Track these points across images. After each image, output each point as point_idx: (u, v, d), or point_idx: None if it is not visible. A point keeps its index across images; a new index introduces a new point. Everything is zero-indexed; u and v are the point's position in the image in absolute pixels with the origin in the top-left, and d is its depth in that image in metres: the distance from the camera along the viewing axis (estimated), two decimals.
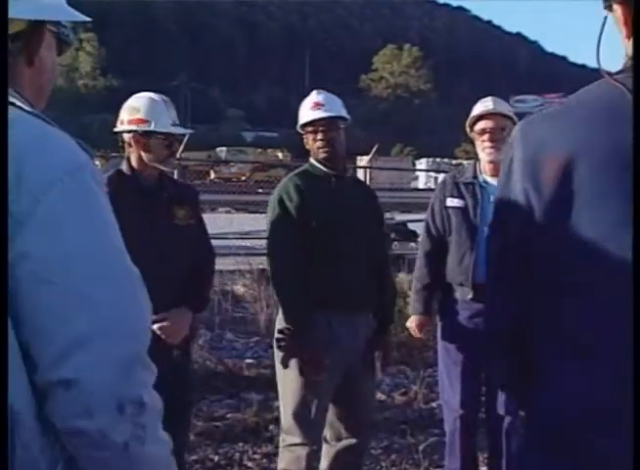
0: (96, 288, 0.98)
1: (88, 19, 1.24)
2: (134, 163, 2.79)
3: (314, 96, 3.05)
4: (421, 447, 3.86)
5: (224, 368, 5.12)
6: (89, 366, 0.94)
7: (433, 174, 28.03)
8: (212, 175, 26.60)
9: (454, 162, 33.69)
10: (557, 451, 1.15)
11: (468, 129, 3.38)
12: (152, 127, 2.73)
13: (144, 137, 2.74)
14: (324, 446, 3.06)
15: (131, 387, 0.97)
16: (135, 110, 2.76)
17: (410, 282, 6.80)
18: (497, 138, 3.24)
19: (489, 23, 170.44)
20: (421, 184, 28.54)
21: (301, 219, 2.87)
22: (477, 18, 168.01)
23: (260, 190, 13.83)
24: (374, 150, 14.48)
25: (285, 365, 2.90)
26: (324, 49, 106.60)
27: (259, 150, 38.59)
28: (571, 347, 1.14)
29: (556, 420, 1.16)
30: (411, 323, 3.50)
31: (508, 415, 3.27)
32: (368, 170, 15.25)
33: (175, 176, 10.73)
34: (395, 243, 10.93)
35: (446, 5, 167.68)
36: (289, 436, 2.95)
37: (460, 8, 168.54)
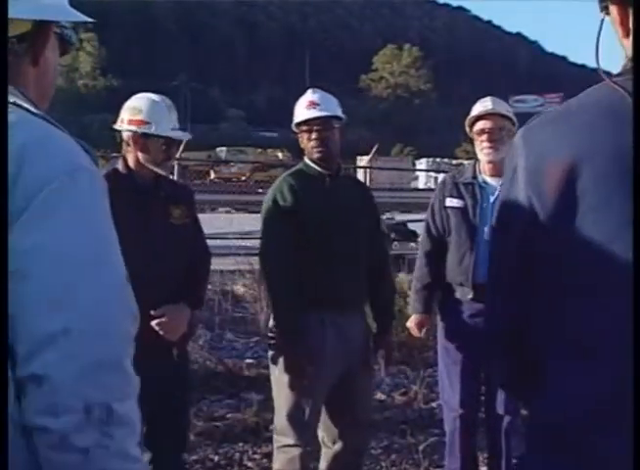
0: (75, 286, 0.96)
1: (90, 19, 1.24)
2: (130, 162, 2.79)
3: (309, 95, 3.03)
4: (421, 447, 3.86)
5: (224, 368, 5.12)
6: (57, 363, 0.92)
7: (433, 174, 28.03)
8: (212, 175, 26.63)
9: (454, 162, 33.71)
10: (559, 452, 1.16)
11: (467, 129, 3.39)
12: (152, 130, 2.73)
13: (143, 138, 2.75)
14: (323, 447, 3.07)
15: (97, 390, 0.94)
16: (137, 110, 2.76)
17: (410, 282, 6.81)
18: (496, 138, 3.25)
19: (489, 23, 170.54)
20: (421, 184, 28.53)
21: (295, 219, 2.86)
22: (477, 18, 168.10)
23: (260, 190, 13.81)
24: (374, 150, 14.49)
25: (275, 364, 2.90)
26: (324, 49, 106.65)
27: (259, 150, 38.57)
28: (574, 348, 1.14)
29: (558, 421, 1.16)
30: (411, 323, 3.50)
31: (507, 415, 3.28)
32: (368, 170, 15.26)
33: (175, 176, 10.78)
34: (395, 243, 10.94)
35: (446, 5, 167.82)
36: (282, 437, 2.95)
37: (460, 8, 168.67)
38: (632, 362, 1.04)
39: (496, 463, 3.36)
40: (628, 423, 1.04)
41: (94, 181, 1.04)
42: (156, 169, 2.78)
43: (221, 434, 4.09)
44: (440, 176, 15.78)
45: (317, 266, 2.87)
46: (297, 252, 2.85)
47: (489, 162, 3.28)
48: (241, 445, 3.99)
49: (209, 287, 6.81)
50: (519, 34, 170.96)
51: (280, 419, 2.95)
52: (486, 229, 3.24)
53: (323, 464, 3.07)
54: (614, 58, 1.20)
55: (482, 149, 3.28)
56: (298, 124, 3.01)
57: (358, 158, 24.24)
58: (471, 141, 3.44)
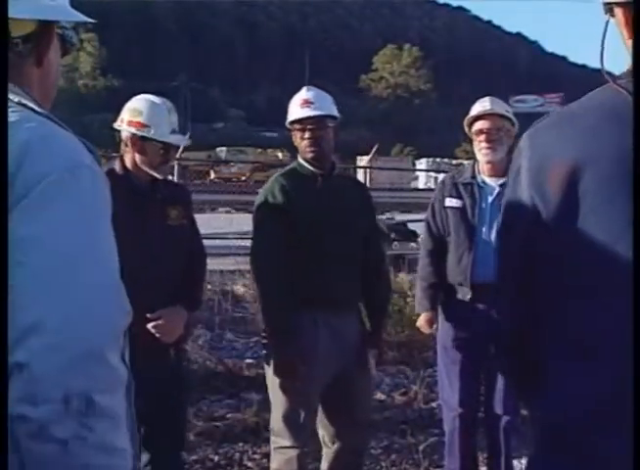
0: (65, 275, 0.96)
1: (91, 20, 1.24)
2: (128, 163, 2.79)
3: (304, 93, 2.99)
4: (421, 447, 3.86)
5: (224, 368, 5.12)
6: (40, 352, 0.91)
7: (433, 174, 28.02)
8: (212, 175, 26.66)
9: (454, 162, 33.72)
10: (560, 452, 1.16)
11: (466, 129, 3.39)
12: (150, 134, 2.73)
13: (141, 141, 2.75)
14: (324, 447, 3.06)
15: (78, 379, 0.93)
16: (137, 112, 2.76)
17: (410, 282, 6.83)
18: (494, 139, 3.25)
19: (489, 23, 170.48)
20: (421, 184, 28.52)
21: (287, 220, 2.85)
22: (477, 18, 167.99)
23: (260, 190, 13.81)
24: (374, 150, 14.51)
25: (268, 364, 2.90)
26: (324, 49, 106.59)
27: (259, 150, 38.58)
28: (575, 348, 1.15)
29: (559, 421, 1.16)
30: (420, 321, 3.49)
31: (506, 414, 3.28)
32: (368, 170, 15.28)
33: (175, 176, 10.78)
34: (395, 243, 10.95)
35: (446, 5, 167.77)
36: (278, 438, 2.94)
37: (460, 8, 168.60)
38: (632, 363, 1.05)
39: (496, 463, 3.36)
40: (629, 423, 1.04)
41: (96, 180, 1.04)
42: (152, 172, 2.78)
43: (221, 434, 4.09)
44: (440, 176, 15.78)
45: (309, 266, 2.84)
46: (289, 251, 2.83)
47: (488, 162, 3.29)
48: (241, 445, 4.00)
49: (209, 287, 6.82)
50: (519, 34, 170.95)
51: (276, 420, 2.94)
52: (485, 229, 3.24)
53: (324, 464, 3.07)
54: (617, 60, 1.19)
55: (481, 149, 3.28)
56: (292, 123, 2.98)
57: (358, 158, 24.27)
58: (470, 141, 3.45)
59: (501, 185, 3.26)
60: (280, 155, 34.27)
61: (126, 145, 2.78)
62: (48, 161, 0.99)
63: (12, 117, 1.02)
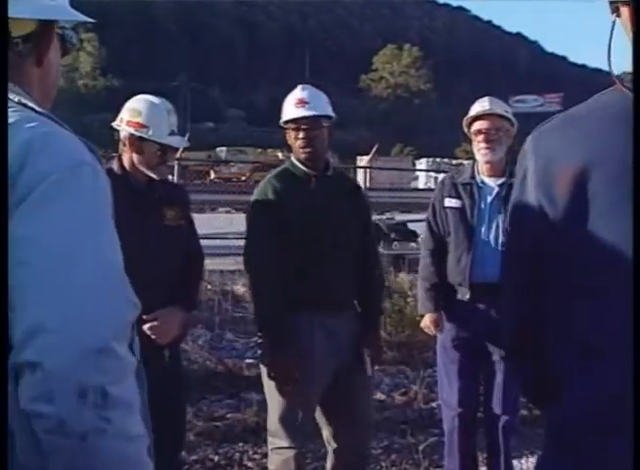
0: (70, 272, 0.96)
1: (91, 19, 1.24)
2: (125, 162, 2.79)
3: (299, 92, 2.95)
4: (421, 447, 3.86)
5: (224, 368, 5.12)
6: (51, 350, 0.93)
7: (433, 174, 28.03)
8: (212, 175, 26.67)
9: (454, 162, 33.74)
10: (564, 452, 1.17)
11: (465, 129, 3.39)
12: (149, 134, 2.73)
13: (139, 141, 2.75)
14: (328, 447, 3.06)
15: (92, 374, 0.94)
16: (136, 112, 2.76)
17: (410, 282, 6.83)
18: (493, 139, 3.25)
19: (489, 23, 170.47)
20: (421, 184, 28.54)
21: (279, 221, 2.84)
22: (477, 18, 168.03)
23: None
24: (374, 150, 14.51)
25: (263, 364, 2.90)
26: (324, 49, 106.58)
27: (259, 150, 38.55)
28: (581, 348, 1.15)
29: (564, 421, 1.17)
30: (425, 322, 3.48)
31: (505, 414, 3.28)
32: (368, 170, 15.27)
33: (175, 176, 10.77)
34: (395, 243, 10.95)
35: (446, 5, 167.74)
36: (275, 439, 2.93)
37: (460, 8, 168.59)
38: (632, 363, 1.05)
39: (495, 462, 3.36)
40: (636, 423, 1.05)
41: (97, 178, 1.05)
42: (149, 173, 2.78)
43: (221, 434, 4.09)
44: (440, 176, 15.78)
45: (303, 267, 2.83)
46: (283, 252, 2.82)
47: (487, 162, 3.29)
48: (241, 445, 4.00)
49: (209, 287, 6.82)
50: (519, 34, 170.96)
51: (272, 421, 2.93)
52: (484, 229, 3.25)
53: (328, 464, 3.07)
54: (620, 60, 1.19)
55: (480, 149, 3.28)
56: (286, 122, 2.96)
57: (358, 158, 24.28)
58: (470, 141, 3.44)
59: (500, 185, 3.26)
60: (280, 155, 34.24)
61: (124, 145, 2.79)
62: (49, 160, 0.99)
63: (12, 116, 1.02)
